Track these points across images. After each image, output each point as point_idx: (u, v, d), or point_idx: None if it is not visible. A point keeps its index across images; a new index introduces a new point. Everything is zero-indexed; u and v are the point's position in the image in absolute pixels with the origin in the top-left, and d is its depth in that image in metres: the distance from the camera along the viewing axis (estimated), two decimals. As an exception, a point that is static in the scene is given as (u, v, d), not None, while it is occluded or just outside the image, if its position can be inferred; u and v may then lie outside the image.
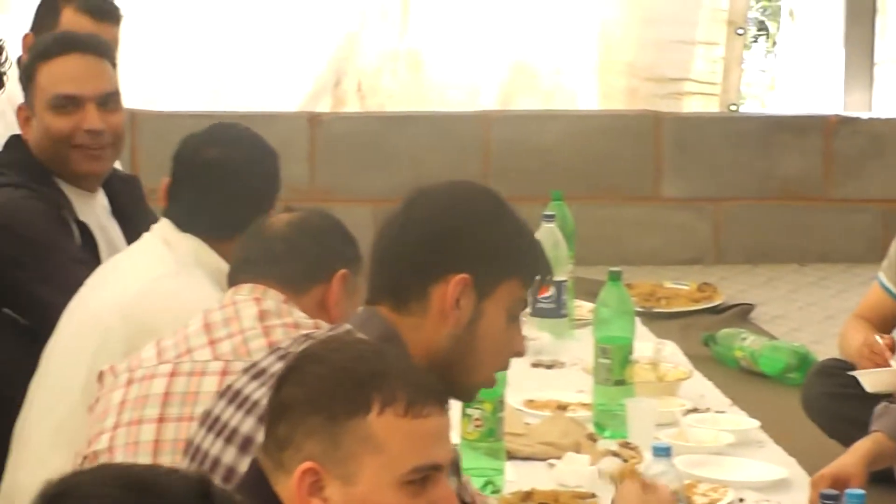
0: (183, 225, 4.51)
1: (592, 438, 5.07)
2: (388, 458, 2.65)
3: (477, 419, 4.38)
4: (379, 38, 8.66)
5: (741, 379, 6.38)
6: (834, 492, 4.13)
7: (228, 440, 3.33)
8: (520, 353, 3.54)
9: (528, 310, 5.72)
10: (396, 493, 2.67)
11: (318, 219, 4.13)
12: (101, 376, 4.12)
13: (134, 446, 3.81)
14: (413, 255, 3.43)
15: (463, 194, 3.68)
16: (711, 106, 8.70)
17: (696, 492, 4.64)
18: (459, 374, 3.31)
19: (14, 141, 5.49)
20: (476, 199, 3.63)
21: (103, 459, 3.80)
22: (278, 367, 3.27)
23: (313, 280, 3.93)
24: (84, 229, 5.31)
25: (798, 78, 9.21)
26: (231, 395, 3.43)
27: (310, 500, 2.66)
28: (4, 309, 5.14)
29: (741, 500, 4.81)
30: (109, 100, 5.44)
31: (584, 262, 6.97)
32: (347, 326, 3.47)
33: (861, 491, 4.22)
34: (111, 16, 6.57)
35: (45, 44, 5.64)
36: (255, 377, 3.42)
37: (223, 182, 4.42)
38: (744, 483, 4.96)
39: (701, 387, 5.92)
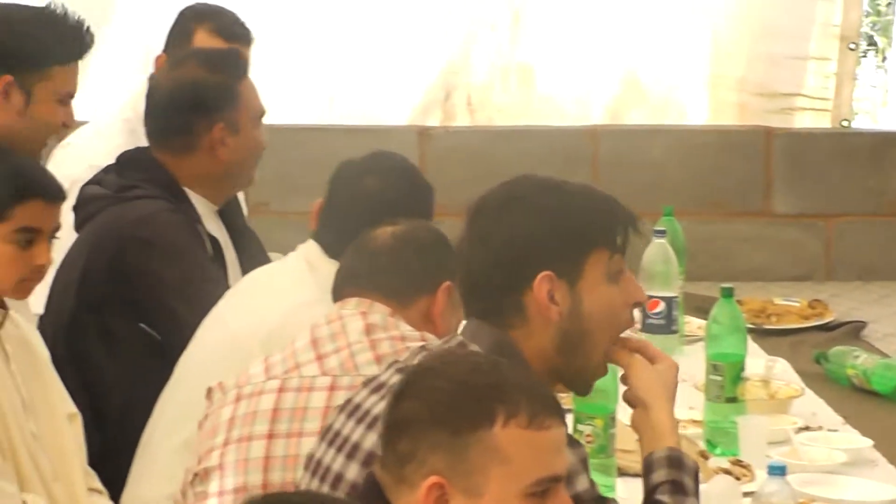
0: (330, 250, 4.54)
1: (704, 456, 4.90)
2: (514, 470, 2.65)
3: (588, 435, 4.20)
4: (489, 51, 8.60)
5: (853, 397, 6.13)
6: None
7: (350, 456, 3.33)
8: (640, 301, 3.54)
9: (639, 326, 5.99)
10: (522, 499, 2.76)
11: (423, 232, 4.13)
12: (209, 393, 4.18)
13: (244, 463, 3.88)
14: (489, 276, 3.41)
15: (514, 198, 3.60)
16: (823, 122, 8.60)
17: (811, 511, 5.14)
18: (578, 363, 3.30)
19: (142, 155, 5.45)
20: (529, 196, 3.57)
21: (214, 476, 3.93)
22: (397, 380, 3.22)
23: (419, 292, 3.95)
24: (215, 244, 5.37)
25: None
26: (351, 409, 3.44)
27: None
28: (140, 324, 5.13)
29: None
30: None
31: (692, 277, 6.83)
32: (460, 338, 3.47)
33: None
34: (244, 38, 6.55)
35: (237, 62, 5.66)
36: (374, 391, 3.42)
37: (378, 213, 4.33)
38: (857, 503, 4.80)
39: (813, 405, 5.78)
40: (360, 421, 3.41)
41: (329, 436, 3.51)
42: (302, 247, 4.70)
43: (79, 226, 5.19)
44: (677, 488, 3.63)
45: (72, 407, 4.52)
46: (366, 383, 3.53)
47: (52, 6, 5.94)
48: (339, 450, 3.41)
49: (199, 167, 5.39)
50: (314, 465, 3.50)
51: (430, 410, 2.72)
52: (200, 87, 5.09)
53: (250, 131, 5.45)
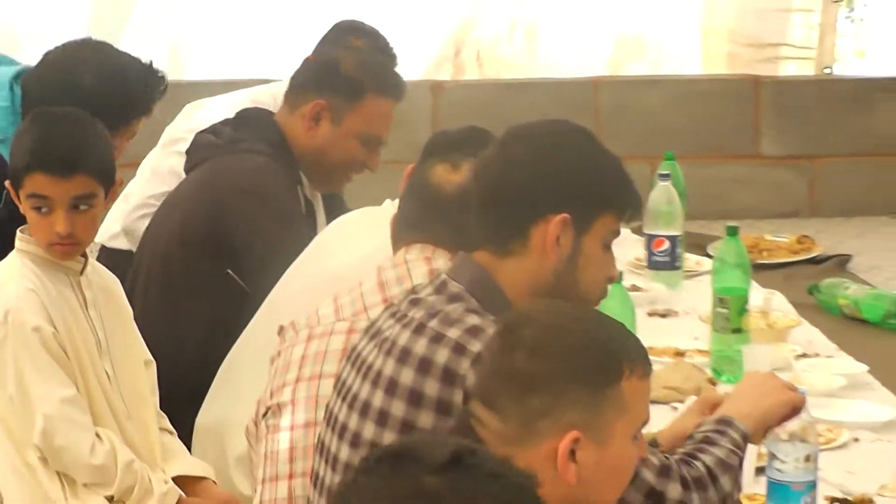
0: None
1: (712, 382, 5.08)
2: (631, 418, 2.75)
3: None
4: (496, 10, 8.92)
5: (845, 325, 6.24)
6: None
7: (375, 383, 3.33)
8: (613, 279, 3.55)
9: (644, 263, 6.25)
10: (631, 447, 2.78)
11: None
12: (281, 331, 4.21)
13: (314, 399, 3.88)
14: (513, 197, 3.41)
15: (557, 133, 3.59)
16: (807, 69, 8.88)
17: (814, 432, 5.19)
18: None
19: (258, 113, 5.52)
20: (570, 137, 3.56)
21: (286, 411, 3.96)
22: (389, 323, 3.41)
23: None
24: (308, 205, 5.51)
25: (886, 41, 9.32)
26: (375, 336, 3.44)
27: (569, 464, 2.71)
28: (228, 270, 5.19)
29: (856, 439, 4.80)
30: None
31: (689, 216, 6.85)
32: (444, 277, 3.47)
33: None
34: (391, 61, 6.48)
35: (386, 74, 5.58)
36: (372, 337, 3.44)
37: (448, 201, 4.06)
38: (858, 423, 4.93)
39: (808, 333, 5.88)
40: (387, 352, 3.37)
41: (357, 362, 3.49)
42: (390, 202, 4.61)
43: (189, 169, 5.30)
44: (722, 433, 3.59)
45: (147, 355, 4.60)
46: (366, 329, 3.58)
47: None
48: (375, 384, 3.41)
49: (299, 134, 5.41)
50: (344, 393, 3.51)
51: (570, 369, 2.76)
52: (339, 65, 5.11)
53: (350, 138, 5.39)
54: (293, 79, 5.30)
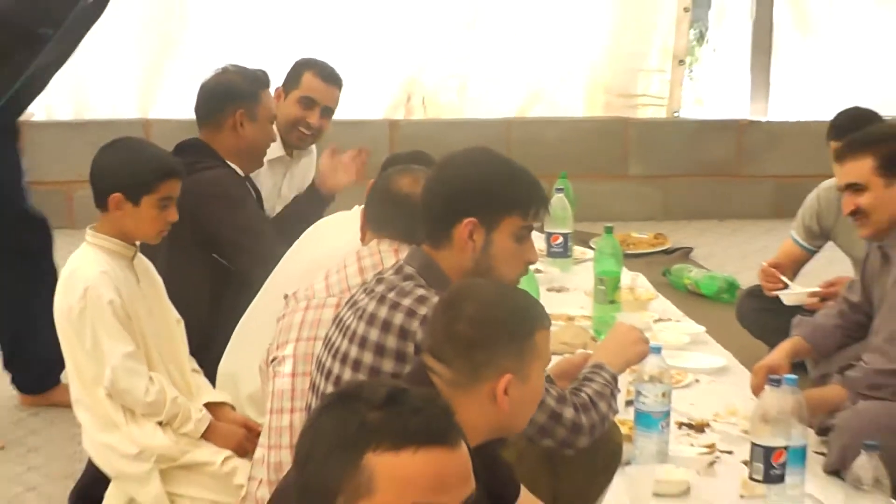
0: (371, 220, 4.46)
1: (594, 339, 5.21)
2: (542, 361, 2.93)
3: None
4: (437, 67, 8.62)
5: (689, 299, 6.61)
6: (777, 376, 4.23)
7: (352, 341, 3.38)
8: (532, 261, 3.58)
9: (545, 252, 6.23)
10: (542, 382, 2.99)
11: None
12: (286, 298, 4.24)
13: (310, 356, 3.91)
14: (439, 205, 3.49)
15: (472, 157, 3.65)
16: (661, 113, 8.78)
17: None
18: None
19: (193, 141, 5.40)
20: (481, 159, 3.62)
21: (287, 362, 4.02)
22: (362, 296, 3.45)
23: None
24: (258, 192, 5.47)
25: (718, 91, 9.52)
26: (353, 306, 3.52)
27: (502, 397, 2.80)
28: (213, 254, 5.16)
29: (697, 380, 5.01)
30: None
31: (577, 219, 6.76)
32: (401, 262, 3.54)
33: (795, 376, 4.32)
34: (337, 81, 6.13)
35: (264, 79, 5.50)
36: (351, 306, 3.51)
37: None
38: (698, 369, 5.13)
39: (663, 304, 6.09)
40: (360, 316, 3.46)
41: (341, 326, 3.58)
42: (358, 207, 4.57)
43: None
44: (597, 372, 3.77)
45: (177, 315, 4.66)
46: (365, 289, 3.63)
47: None
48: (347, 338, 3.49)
49: (230, 143, 5.33)
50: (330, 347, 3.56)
51: (501, 331, 2.85)
52: (232, 84, 5.04)
53: (264, 124, 5.43)
54: (201, 108, 5.05)
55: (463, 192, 3.46)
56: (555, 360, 4.54)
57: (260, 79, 5.25)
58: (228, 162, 5.44)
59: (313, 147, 6.10)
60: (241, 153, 5.46)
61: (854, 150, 4.73)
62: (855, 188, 4.29)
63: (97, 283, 4.37)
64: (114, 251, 4.46)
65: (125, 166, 4.42)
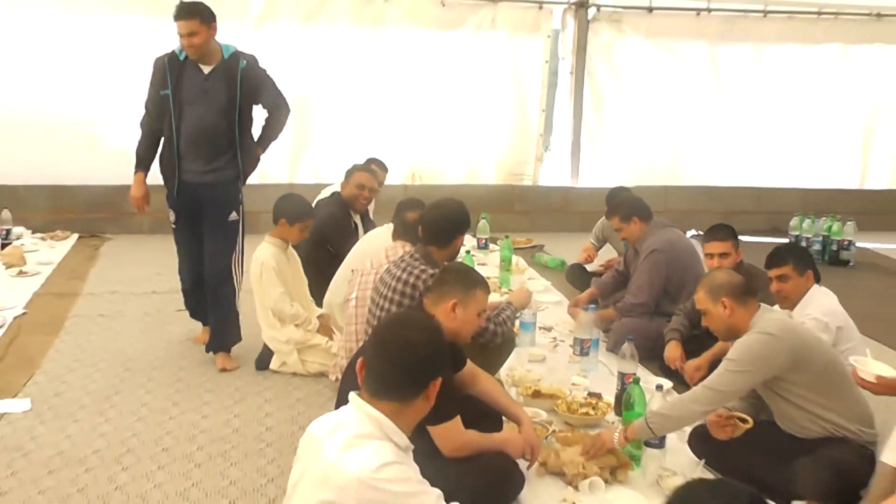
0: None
1: (500, 288, 6.36)
2: (481, 303, 3.51)
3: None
4: (423, 161, 9.96)
5: (543, 269, 7.77)
6: (585, 305, 5.39)
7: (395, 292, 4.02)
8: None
9: (476, 246, 7.37)
10: (479, 317, 3.47)
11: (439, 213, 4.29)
12: (353, 271, 4.99)
13: (365, 299, 4.67)
14: (436, 229, 4.24)
15: (445, 204, 4.41)
16: (530, 182, 10.13)
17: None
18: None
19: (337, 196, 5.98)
20: (449, 206, 4.40)
21: (352, 302, 4.85)
22: (391, 269, 4.15)
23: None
24: (356, 226, 6.16)
25: (555, 171, 10.07)
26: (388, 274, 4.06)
27: (452, 314, 3.35)
28: (328, 247, 5.70)
29: (546, 307, 6.29)
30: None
31: (491, 231, 8.30)
32: (413, 251, 4.27)
33: (594, 305, 5.50)
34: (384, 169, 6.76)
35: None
36: (384, 275, 4.15)
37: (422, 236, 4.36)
38: (549, 302, 6.47)
39: (531, 272, 7.35)
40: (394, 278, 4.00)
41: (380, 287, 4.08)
42: (389, 225, 5.25)
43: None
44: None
45: (304, 276, 5.43)
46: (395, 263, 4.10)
47: None
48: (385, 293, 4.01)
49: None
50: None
51: (459, 285, 3.45)
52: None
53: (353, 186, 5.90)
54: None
55: (450, 221, 4.17)
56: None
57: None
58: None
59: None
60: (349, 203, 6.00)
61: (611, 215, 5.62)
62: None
63: (268, 260, 5.06)
64: (277, 244, 5.15)
65: (287, 206, 5.14)
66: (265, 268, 5.01)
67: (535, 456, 3.31)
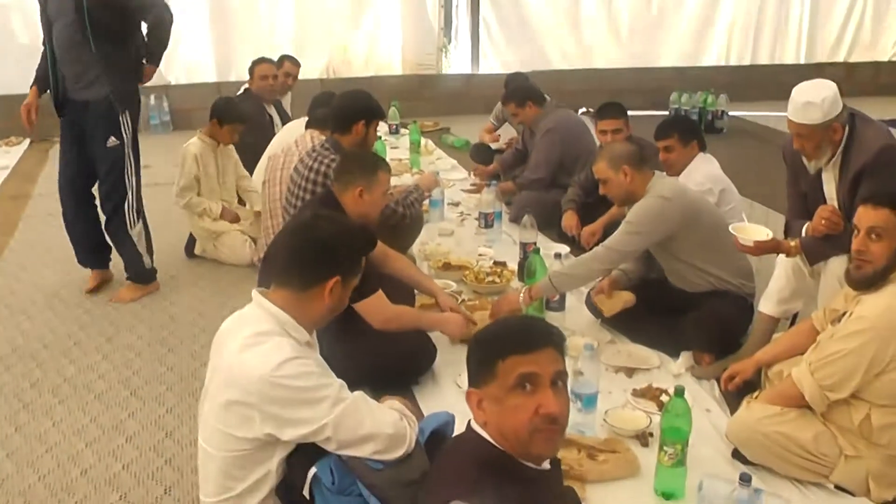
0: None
1: (410, 168, 6.14)
2: (384, 185, 3.40)
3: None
4: (338, 53, 9.37)
5: (450, 149, 7.87)
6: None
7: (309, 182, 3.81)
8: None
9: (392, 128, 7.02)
10: (384, 197, 3.31)
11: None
12: (269, 158, 4.80)
13: (278, 179, 4.62)
14: (343, 115, 4.06)
15: (355, 93, 4.26)
16: (434, 71, 9.85)
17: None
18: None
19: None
20: (361, 95, 4.24)
21: (268, 182, 4.69)
22: (303, 157, 3.84)
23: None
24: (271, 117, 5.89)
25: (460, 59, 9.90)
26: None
27: (360, 199, 3.27)
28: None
29: (454, 184, 6.11)
30: None
31: (401, 117, 8.09)
32: (324, 139, 4.05)
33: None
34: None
35: None
36: (300, 161, 3.93)
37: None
38: (455, 179, 6.42)
39: (439, 153, 7.41)
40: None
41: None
42: (303, 118, 5.05)
43: None
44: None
45: (243, 173, 5.41)
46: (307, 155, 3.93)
47: None
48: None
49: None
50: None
51: (361, 166, 3.36)
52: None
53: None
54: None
55: (349, 108, 3.99)
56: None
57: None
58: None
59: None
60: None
61: None
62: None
63: (189, 147, 5.03)
64: (205, 141, 5.10)
65: (221, 107, 5.04)
66: (186, 154, 4.96)
67: (474, 324, 3.34)
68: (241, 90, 6.02)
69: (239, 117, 4.90)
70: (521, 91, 5.50)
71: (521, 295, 3.49)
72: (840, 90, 3.10)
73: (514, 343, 1.54)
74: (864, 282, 2.64)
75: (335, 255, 2.14)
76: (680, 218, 3.40)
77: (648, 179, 3.52)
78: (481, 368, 1.57)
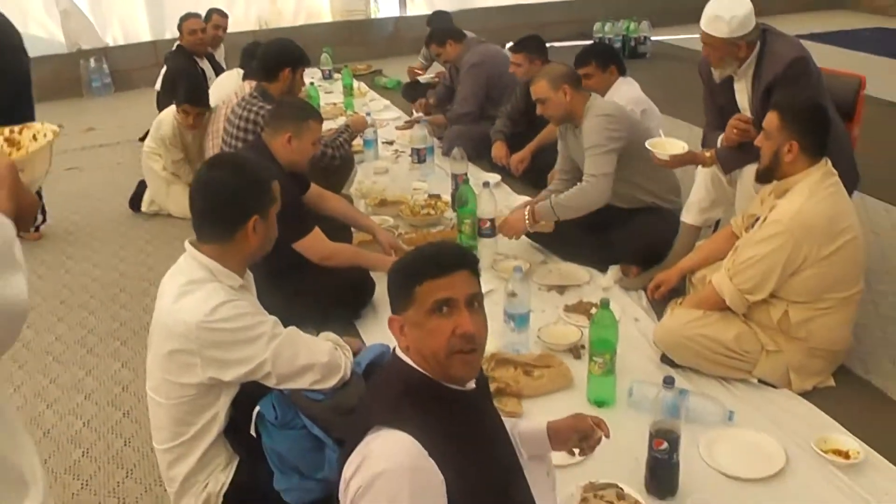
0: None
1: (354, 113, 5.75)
2: (315, 132, 3.31)
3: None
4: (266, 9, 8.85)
5: (385, 91, 7.61)
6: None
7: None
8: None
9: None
10: (313, 146, 3.24)
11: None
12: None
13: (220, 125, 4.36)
14: (269, 65, 3.98)
15: (281, 42, 4.23)
16: (363, 16, 9.39)
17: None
18: None
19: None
20: (287, 45, 4.15)
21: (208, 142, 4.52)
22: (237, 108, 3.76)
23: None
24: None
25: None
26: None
27: (288, 145, 3.18)
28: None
29: (386, 125, 5.91)
30: None
31: (333, 63, 7.75)
32: (252, 91, 3.90)
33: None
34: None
35: None
36: (232, 111, 3.84)
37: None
38: (391, 119, 6.30)
39: (372, 95, 7.24)
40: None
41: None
42: (237, 69, 5.08)
43: None
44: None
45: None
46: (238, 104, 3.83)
47: None
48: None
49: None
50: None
51: (292, 113, 3.34)
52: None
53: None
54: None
55: (278, 57, 3.92)
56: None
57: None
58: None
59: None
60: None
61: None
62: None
63: (166, 114, 4.82)
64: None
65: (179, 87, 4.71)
66: (163, 123, 4.94)
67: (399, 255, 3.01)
68: (175, 47, 5.93)
69: (189, 100, 4.93)
70: (439, 31, 5.42)
71: (526, 218, 3.49)
72: (760, 7, 3.10)
73: (428, 268, 1.54)
74: (758, 176, 2.80)
75: (241, 200, 2.04)
76: (626, 132, 3.40)
77: (586, 100, 3.48)
78: (400, 295, 1.56)
